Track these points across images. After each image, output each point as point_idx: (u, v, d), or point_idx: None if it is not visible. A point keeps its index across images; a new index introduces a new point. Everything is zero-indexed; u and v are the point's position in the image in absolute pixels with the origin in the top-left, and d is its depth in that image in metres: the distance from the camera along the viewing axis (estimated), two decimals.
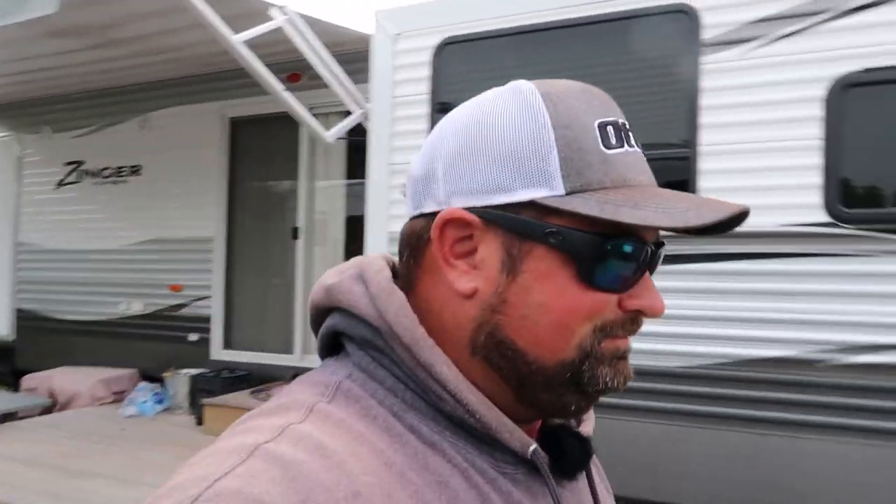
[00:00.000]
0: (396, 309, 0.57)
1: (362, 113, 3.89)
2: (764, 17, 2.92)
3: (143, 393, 5.39)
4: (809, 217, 2.83)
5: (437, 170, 0.59)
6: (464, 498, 0.54)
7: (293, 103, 3.61)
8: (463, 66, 3.59)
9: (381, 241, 3.71)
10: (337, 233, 5.41)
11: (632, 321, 0.59)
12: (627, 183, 0.57)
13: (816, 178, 2.82)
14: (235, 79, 4.96)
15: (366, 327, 0.59)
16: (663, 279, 2.55)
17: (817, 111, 2.82)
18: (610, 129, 0.58)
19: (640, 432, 3.09)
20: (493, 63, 3.53)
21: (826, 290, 2.80)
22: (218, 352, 5.73)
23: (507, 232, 0.57)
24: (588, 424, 0.68)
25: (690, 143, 3.04)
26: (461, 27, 3.56)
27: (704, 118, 3.02)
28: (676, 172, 3.07)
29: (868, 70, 2.75)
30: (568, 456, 0.63)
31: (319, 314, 0.64)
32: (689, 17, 3.06)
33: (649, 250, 0.58)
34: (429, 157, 0.61)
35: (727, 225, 0.57)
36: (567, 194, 0.55)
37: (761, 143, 2.92)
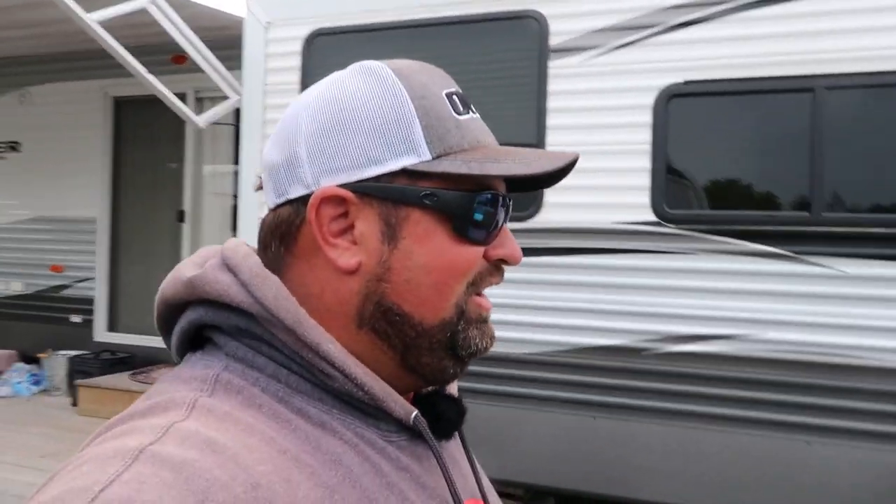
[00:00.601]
0: (275, 293, 0.57)
1: (238, 99, 3.90)
2: (603, 27, 3.11)
3: (19, 374, 5.28)
4: (638, 216, 3.06)
5: (299, 153, 0.60)
6: (358, 472, 0.56)
7: (159, 86, 3.61)
8: (332, 58, 3.65)
9: (252, 227, 3.76)
10: (223, 216, 5.40)
11: (494, 271, 0.63)
12: (481, 144, 0.62)
13: (645, 180, 3.05)
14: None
15: (239, 316, 0.58)
16: (509, 270, 2.71)
17: (647, 118, 3.04)
18: (455, 98, 0.62)
19: (488, 415, 3.28)
20: (360, 56, 3.59)
21: (651, 285, 3.05)
22: (102, 334, 5.66)
23: (382, 202, 0.59)
24: (453, 386, 0.71)
25: (539, 143, 3.21)
26: (330, 19, 3.62)
27: (551, 120, 3.20)
28: None
29: (687, 82, 2.98)
30: (444, 417, 0.65)
31: (171, 310, 0.63)
32: (539, 23, 3.23)
33: (508, 201, 0.63)
34: (286, 143, 0.61)
35: (564, 171, 0.64)
36: (434, 159, 0.59)
37: (599, 145, 3.13)
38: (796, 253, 2.84)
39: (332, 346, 0.57)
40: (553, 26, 3.20)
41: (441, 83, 0.62)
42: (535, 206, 3.21)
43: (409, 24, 3.46)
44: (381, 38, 3.55)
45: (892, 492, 2.71)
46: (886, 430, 2.70)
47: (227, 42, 4.23)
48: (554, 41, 3.20)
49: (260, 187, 0.71)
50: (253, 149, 3.79)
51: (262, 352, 0.58)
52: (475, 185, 0.60)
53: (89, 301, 5.68)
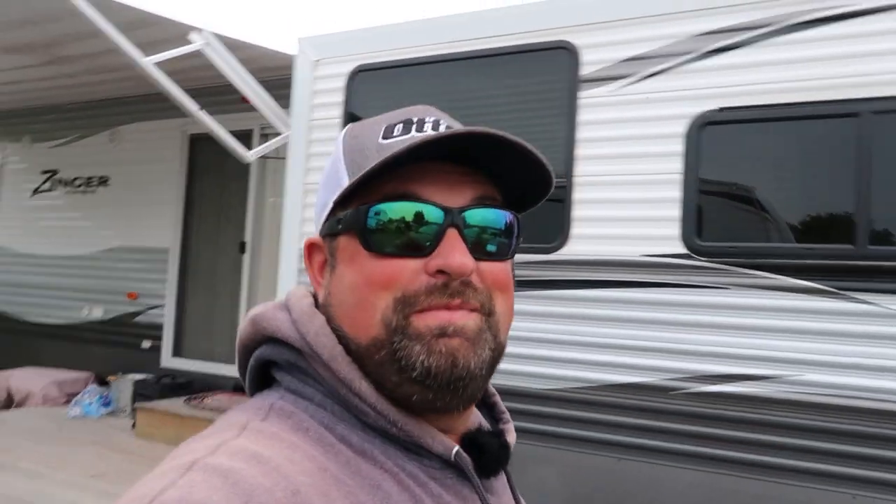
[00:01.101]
0: (316, 329, 0.61)
1: (287, 134, 4.07)
2: (634, 56, 3.06)
3: (90, 395, 5.58)
4: (668, 248, 2.94)
5: (317, 207, 0.69)
6: (397, 500, 0.57)
7: (211, 123, 3.81)
8: (372, 92, 3.76)
9: (293, 257, 3.87)
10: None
11: (443, 287, 0.59)
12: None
13: (675, 211, 2.92)
14: (195, 97, 5.20)
15: (290, 351, 0.63)
16: (530, 303, 2.67)
17: (679, 147, 2.94)
18: (399, 126, 0.64)
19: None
20: (399, 90, 3.70)
21: (682, 320, 2.89)
22: (167, 359, 5.92)
23: (325, 239, 0.65)
24: (510, 437, 0.71)
25: (567, 173, 3.16)
26: (372, 56, 3.74)
27: (580, 150, 3.15)
28: (553, 201, 3.19)
29: (722, 109, 2.87)
30: (487, 453, 0.65)
31: (246, 352, 0.67)
32: (569, 53, 3.21)
33: (427, 209, 0.60)
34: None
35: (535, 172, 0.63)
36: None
37: (629, 175, 3.04)
38: (839, 289, 2.63)
39: (364, 384, 0.60)
40: (584, 56, 3.17)
41: (394, 118, 0.65)
42: (561, 237, 3.14)
43: (443, 59, 3.52)
44: (416, 72, 3.63)
45: None
46: None
47: (284, 81, 4.44)
48: (585, 71, 3.17)
49: None
50: (297, 181, 3.92)
51: (309, 384, 0.63)
52: (383, 196, 0.61)
53: (158, 327, 5.97)
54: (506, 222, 0.65)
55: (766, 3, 2.82)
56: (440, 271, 0.59)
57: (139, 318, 6.10)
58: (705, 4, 2.93)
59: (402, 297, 0.59)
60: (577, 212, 3.12)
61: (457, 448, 0.61)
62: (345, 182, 0.62)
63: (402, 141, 0.61)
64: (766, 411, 2.70)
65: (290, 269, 3.87)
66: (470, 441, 0.65)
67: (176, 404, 4.94)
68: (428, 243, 0.60)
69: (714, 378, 2.81)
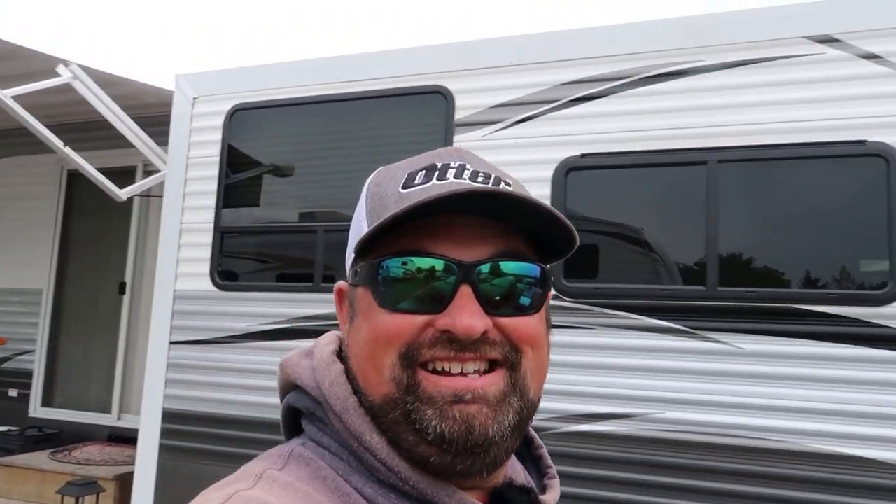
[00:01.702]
0: (332, 379, 0.60)
1: (164, 173, 3.94)
2: (504, 102, 3.15)
3: None
4: None
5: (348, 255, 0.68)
6: None
7: (78, 159, 3.64)
8: (251, 131, 3.70)
9: (168, 298, 3.71)
10: None
11: (448, 342, 0.57)
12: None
13: None
14: (76, 132, 4.96)
15: (310, 399, 0.62)
16: None
17: (546, 190, 3.02)
18: (422, 172, 0.61)
19: None
20: (277, 129, 3.66)
21: (550, 360, 2.93)
22: (36, 409, 5.50)
23: (350, 287, 0.65)
24: (552, 493, 0.68)
25: None
26: (251, 95, 3.69)
27: None
28: None
29: (584, 155, 2.98)
30: None
31: (284, 395, 0.68)
32: (445, 98, 3.27)
33: (438, 264, 0.57)
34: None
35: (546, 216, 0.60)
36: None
37: None
38: (693, 328, 2.75)
39: (376, 438, 0.58)
40: (458, 101, 3.24)
41: (418, 163, 0.63)
42: None
43: (322, 100, 3.51)
44: (295, 112, 3.60)
45: None
46: None
47: (165, 118, 4.31)
48: (459, 115, 3.23)
49: None
50: (173, 221, 3.78)
51: (327, 433, 0.61)
52: (398, 251, 0.59)
53: (28, 374, 5.56)
54: (529, 275, 0.61)
55: (624, 56, 2.97)
56: (446, 331, 0.57)
57: (6, 365, 5.66)
58: (570, 55, 3.06)
59: (406, 351, 0.57)
60: None
61: None
62: (363, 229, 0.61)
63: (422, 190, 0.59)
64: (628, 449, 2.76)
65: (165, 312, 3.70)
66: (498, 496, 0.62)
67: (39, 458, 4.58)
68: (440, 300, 0.57)
69: (580, 417, 2.86)
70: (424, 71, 3.33)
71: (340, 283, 0.67)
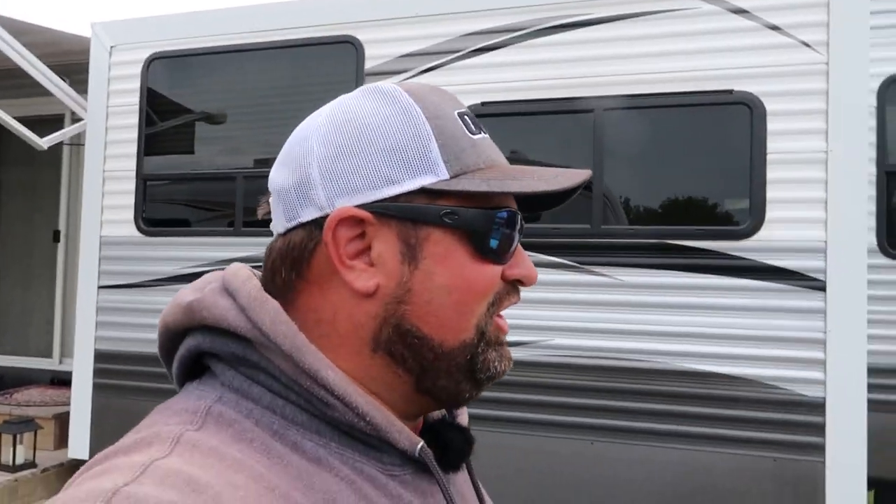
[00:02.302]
0: (273, 317, 0.55)
1: (84, 122, 3.98)
2: (411, 52, 3.29)
3: None
4: None
5: (311, 175, 0.57)
6: None
7: None
8: (169, 80, 3.77)
9: (94, 244, 3.82)
10: None
11: (512, 292, 0.60)
12: (494, 163, 0.60)
13: None
14: (2, 79, 4.91)
15: (237, 342, 0.56)
16: None
17: None
18: (467, 118, 0.61)
19: None
20: (193, 78, 3.74)
21: None
22: None
23: (401, 222, 0.57)
24: (463, 416, 0.68)
25: None
26: (167, 43, 3.74)
27: None
28: None
29: (485, 103, 3.16)
30: (452, 448, 0.62)
31: (173, 338, 0.61)
32: (355, 47, 3.39)
33: (522, 219, 0.61)
34: (296, 166, 0.59)
35: (575, 189, 0.61)
36: (452, 178, 0.57)
37: None
38: (580, 263, 3.01)
39: (332, 373, 0.54)
40: (368, 51, 3.37)
41: (452, 103, 0.61)
42: None
43: (237, 49, 3.59)
44: (211, 61, 3.68)
45: (668, 486, 2.85)
46: (663, 428, 2.86)
47: (78, 67, 4.32)
48: (369, 65, 3.36)
49: (267, 213, 0.64)
50: (96, 169, 3.86)
51: (258, 381, 0.56)
52: (492, 203, 0.59)
53: None
54: None
55: (522, 8, 3.13)
56: (518, 280, 0.61)
57: None
58: (471, 7, 3.20)
59: (493, 301, 0.59)
60: None
61: (421, 443, 0.57)
62: (438, 164, 0.57)
63: (486, 141, 0.61)
64: (526, 373, 3.05)
65: (93, 258, 3.82)
66: (432, 433, 0.63)
67: None
68: (512, 251, 0.60)
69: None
70: (336, 21, 3.44)
71: (351, 210, 0.56)
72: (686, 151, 2.98)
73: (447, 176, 0.57)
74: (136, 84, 3.79)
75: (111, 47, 3.86)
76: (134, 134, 3.78)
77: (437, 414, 0.68)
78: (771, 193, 2.78)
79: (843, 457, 2.65)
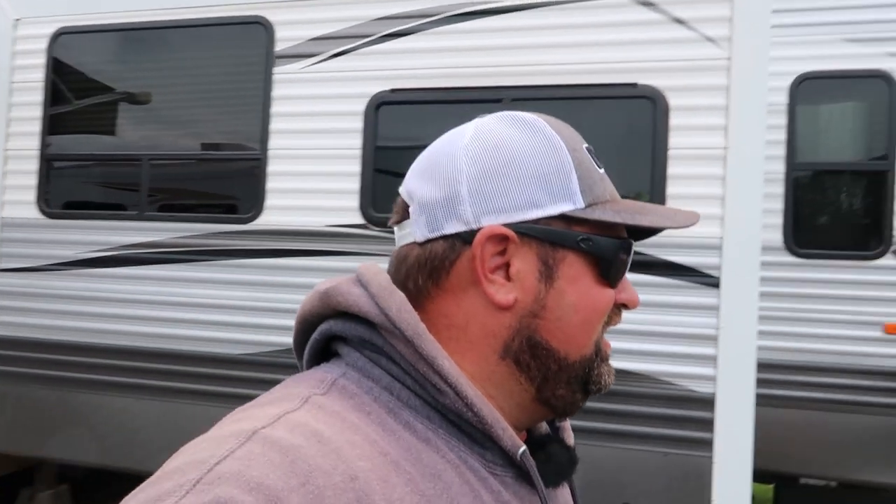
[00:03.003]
0: (399, 305, 0.60)
1: None
2: (322, 35, 3.21)
3: None
4: (349, 219, 3.15)
5: (460, 192, 0.62)
6: (456, 491, 0.56)
7: None
8: (76, 56, 3.63)
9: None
10: None
11: (617, 313, 0.67)
12: (615, 197, 0.67)
13: (355, 185, 3.14)
14: None
15: (365, 327, 0.61)
16: (226, 272, 2.74)
17: (358, 124, 3.14)
18: (592, 154, 0.67)
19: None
20: (102, 55, 3.61)
21: None
22: None
23: (541, 243, 0.62)
24: (569, 436, 0.73)
25: (262, 146, 3.27)
26: (75, 18, 3.60)
27: (274, 124, 3.26)
28: (249, 173, 3.29)
29: (395, 90, 3.10)
30: (554, 463, 0.66)
31: (307, 328, 0.67)
32: (265, 29, 3.29)
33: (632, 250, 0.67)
34: (445, 181, 0.63)
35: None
36: (587, 207, 0.63)
37: (317, 150, 3.21)
38: None
39: (448, 363, 0.59)
40: (278, 32, 3.27)
41: (580, 139, 0.67)
42: (256, 208, 3.26)
43: (146, 26, 3.47)
44: (120, 38, 3.55)
45: None
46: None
47: None
48: (279, 47, 3.27)
49: (397, 221, 0.68)
50: None
51: (380, 364, 0.61)
52: (614, 233, 0.65)
53: None
54: None
55: None
56: (623, 304, 0.67)
57: None
58: None
59: (606, 321, 0.66)
60: (271, 184, 3.25)
61: (524, 448, 0.61)
62: (576, 193, 0.63)
63: (609, 180, 0.67)
64: None
65: None
66: (538, 445, 0.67)
67: None
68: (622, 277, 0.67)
69: None
70: (246, 1, 3.33)
71: (501, 229, 0.61)
72: (593, 145, 2.95)
73: (583, 205, 0.63)
74: (42, 59, 3.64)
75: (16, 20, 3.70)
76: (38, 112, 3.63)
77: (544, 430, 0.73)
78: (671, 189, 2.78)
79: (730, 452, 2.67)
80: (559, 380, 0.63)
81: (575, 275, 0.63)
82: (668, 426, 2.74)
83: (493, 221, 0.61)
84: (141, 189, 3.44)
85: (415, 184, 0.66)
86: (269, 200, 3.25)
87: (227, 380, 3.23)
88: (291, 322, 2.52)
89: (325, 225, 3.17)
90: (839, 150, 3.58)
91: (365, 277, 0.62)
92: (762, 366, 3.07)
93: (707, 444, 2.70)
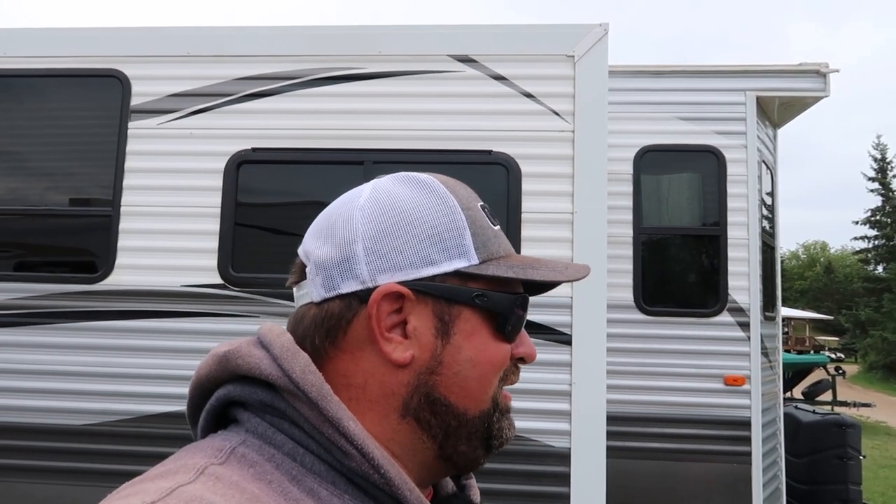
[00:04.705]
0: (303, 367, 0.58)
1: None
2: (180, 92, 3.16)
3: None
4: (206, 279, 3.05)
5: (356, 251, 0.62)
6: None
7: None
8: None
9: None
10: None
11: (515, 369, 0.67)
12: (510, 253, 0.68)
13: (214, 243, 3.06)
14: None
15: (266, 390, 0.59)
16: (72, 335, 2.50)
17: (218, 182, 3.08)
18: (486, 211, 0.68)
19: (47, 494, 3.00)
20: None
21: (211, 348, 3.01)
22: None
23: (436, 300, 0.63)
24: (476, 494, 0.73)
25: (115, 202, 3.13)
26: None
27: (128, 180, 3.14)
28: (99, 230, 3.13)
29: (255, 149, 3.09)
30: None
31: (203, 394, 0.63)
32: (121, 83, 3.20)
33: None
34: (340, 241, 0.63)
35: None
36: (481, 263, 0.64)
37: (173, 207, 3.11)
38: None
39: (353, 424, 0.57)
40: (135, 87, 3.19)
41: (475, 197, 0.68)
42: (106, 267, 3.09)
43: (5, 74, 3.27)
44: None
45: None
46: None
47: None
48: (135, 101, 3.18)
49: (294, 282, 0.67)
50: None
51: (282, 429, 0.59)
52: (509, 288, 0.66)
53: None
54: None
55: (294, 56, 3.11)
56: (521, 358, 0.68)
57: None
58: (242, 52, 3.14)
59: (503, 375, 0.66)
60: (123, 241, 3.10)
61: None
62: (470, 250, 0.64)
63: (503, 236, 0.69)
64: None
65: None
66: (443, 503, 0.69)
67: None
68: (519, 332, 0.68)
69: None
70: (102, 53, 3.24)
71: (395, 287, 0.62)
72: None
73: (477, 261, 0.64)
74: None
75: None
76: None
77: (451, 488, 0.73)
78: (525, 251, 2.91)
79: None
80: (460, 436, 0.64)
81: (471, 330, 0.64)
82: (527, 482, 2.79)
83: (388, 280, 0.62)
84: None
85: (312, 244, 0.66)
86: (121, 259, 3.09)
87: (70, 454, 2.97)
88: (143, 388, 2.40)
89: (181, 285, 3.05)
90: (679, 216, 3.91)
91: (267, 339, 0.61)
92: (614, 418, 3.21)
93: (564, 499, 2.77)
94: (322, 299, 0.63)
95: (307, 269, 0.65)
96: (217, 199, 3.08)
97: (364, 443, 0.57)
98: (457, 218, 0.65)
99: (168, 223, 3.10)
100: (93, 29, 3.33)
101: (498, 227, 0.69)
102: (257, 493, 0.53)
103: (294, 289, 0.68)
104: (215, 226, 3.06)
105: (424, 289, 0.63)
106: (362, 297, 0.62)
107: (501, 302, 0.65)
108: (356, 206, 0.65)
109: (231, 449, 0.57)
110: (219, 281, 3.04)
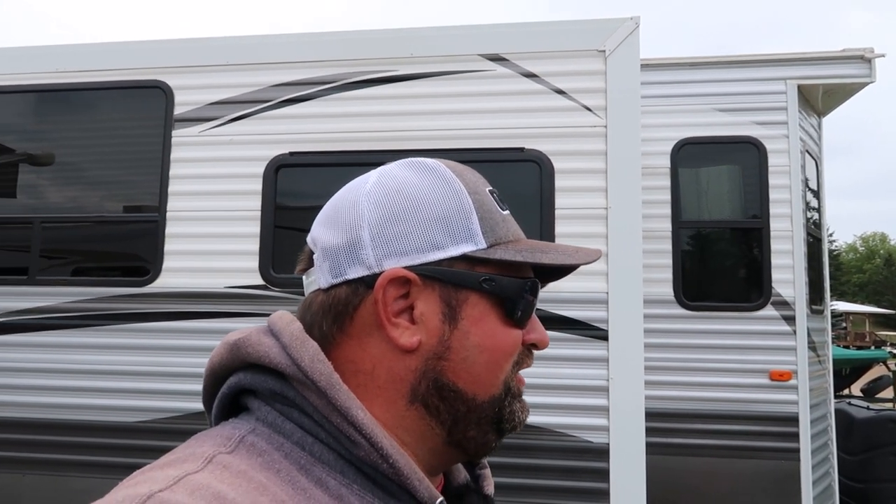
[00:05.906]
0: (312, 355, 0.58)
1: None
2: (220, 100, 3.26)
3: None
4: (248, 280, 3.14)
5: (362, 237, 0.62)
6: None
7: None
8: None
9: None
10: None
11: (528, 354, 0.67)
12: (519, 237, 0.67)
13: (255, 246, 3.15)
14: None
15: (275, 379, 0.59)
16: (123, 336, 2.63)
17: (258, 186, 3.17)
18: (495, 196, 0.68)
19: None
20: (5, 118, 3.54)
21: None
22: None
23: (443, 285, 0.62)
24: (489, 485, 0.72)
25: (160, 208, 3.25)
26: None
27: (173, 186, 3.26)
28: (147, 235, 3.25)
29: (293, 153, 3.16)
30: None
31: (217, 380, 0.64)
32: (164, 93, 3.32)
33: (539, 288, 0.67)
34: (347, 227, 0.63)
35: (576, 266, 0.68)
36: (489, 247, 0.63)
37: (216, 211, 3.21)
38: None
39: (362, 413, 0.57)
40: (178, 97, 3.30)
41: (483, 182, 0.68)
42: (154, 270, 3.21)
43: (45, 89, 3.44)
44: (18, 100, 3.50)
45: None
46: None
47: None
48: (178, 111, 3.30)
49: (303, 270, 0.67)
50: None
51: (291, 417, 0.59)
52: (519, 273, 0.65)
53: None
54: None
55: (329, 62, 3.18)
56: (534, 344, 0.67)
57: None
58: (280, 58, 3.22)
59: (516, 361, 0.65)
60: (170, 246, 3.22)
61: (441, 499, 0.59)
62: (477, 234, 0.63)
63: (513, 221, 0.68)
64: None
65: None
66: (456, 495, 0.67)
67: None
68: (530, 317, 0.67)
69: None
70: (145, 65, 3.36)
71: (401, 272, 0.61)
72: None
73: (485, 245, 0.63)
74: None
75: None
76: None
77: (463, 478, 0.73)
78: None
79: (625, 501, 2.74)
80: (469, 421, 0.63)
81: (479, 315, 0.63)
82: (566, 478, 2.80)
83: (395, 265, 0.61)
84: (31, 253, 3.34)
85: (319, 231, 0.66)
86: (167, 262, 3.21)
87: (123, 450, 3.10)
88: (191, 387, 2.49)
89: (225, 286, 3.15)
90: (719, 209, 3.85)
91: (276, 327, 0.61)
92: (656, 415, 3.19)
93: (604, 495, 2.77)
94: (329, 285, 0.63)
95: (315, 256, 0.65)
96: (257, 203, 3.16)
97: (373, 432, 0.57)
98: (463, 202, 0.64)
99: (211, 227, 3.20)
100: (137, 42, 3.46)
101: (507, 212, 0.68)
102: (265, 482, 0.53)
103: (303, 277, 0.68)
104: (256, 228, 3.15)
105: (431, 273, 0.62)
106: (369, 282, 0.61)
107: (510, 287, 0.64)
108: (362, 192, 0.65)
109: (240, 437, 0.57)
110: (260, 282, 3.12)
